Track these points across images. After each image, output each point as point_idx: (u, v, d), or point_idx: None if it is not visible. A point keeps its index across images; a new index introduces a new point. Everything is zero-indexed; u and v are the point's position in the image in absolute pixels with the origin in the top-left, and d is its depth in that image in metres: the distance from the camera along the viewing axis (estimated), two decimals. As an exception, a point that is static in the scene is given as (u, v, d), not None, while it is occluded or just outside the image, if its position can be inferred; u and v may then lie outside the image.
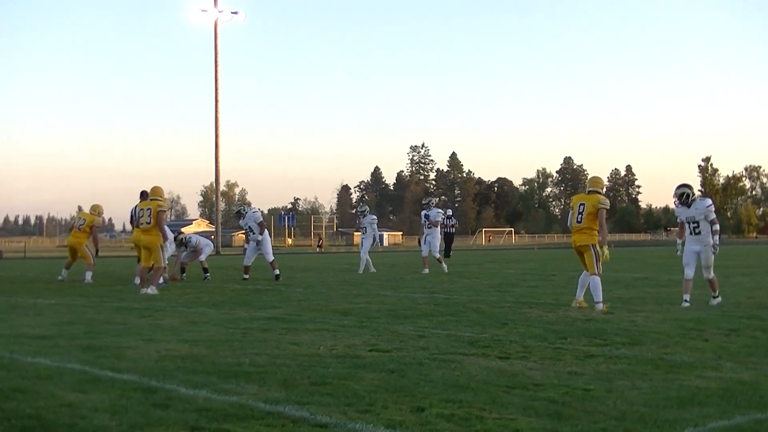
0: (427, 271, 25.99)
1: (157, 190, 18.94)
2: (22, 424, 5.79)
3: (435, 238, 26.68)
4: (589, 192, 14.51)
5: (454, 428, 5.63)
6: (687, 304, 14.02)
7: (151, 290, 17.66)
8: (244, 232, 24.00)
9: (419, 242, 27.57)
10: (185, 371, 7.80)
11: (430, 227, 26.73)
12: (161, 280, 19.80)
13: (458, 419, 5.87)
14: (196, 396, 6.64)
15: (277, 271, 22.68)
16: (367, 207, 28.95)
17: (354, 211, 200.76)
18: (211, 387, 7.00)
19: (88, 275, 22.06)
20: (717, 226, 14.44)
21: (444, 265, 26.50)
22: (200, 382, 7.20)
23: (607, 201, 14.39)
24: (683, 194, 14.53)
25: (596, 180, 14.86)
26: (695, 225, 14.36)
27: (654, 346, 9.47)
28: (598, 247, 14.02)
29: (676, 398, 6.58)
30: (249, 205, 23.31)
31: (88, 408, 6.24)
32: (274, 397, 6.58)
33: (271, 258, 23.03)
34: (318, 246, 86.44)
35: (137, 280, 20.28)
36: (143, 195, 19.64)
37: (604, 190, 14.70)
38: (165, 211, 18.83)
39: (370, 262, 27.19)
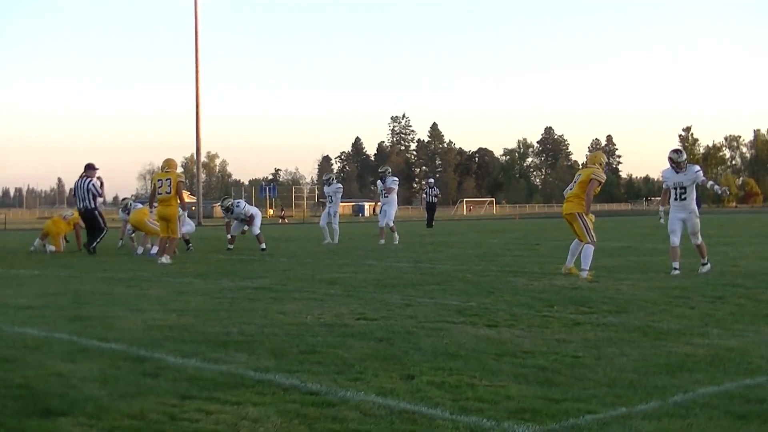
0: (383, 242, 25.55)
1: (171, 163, 19.11)
2: (12, 393, 5.78)
3: (391, 208, 26.25)
4: (588, 166, 14.63)
5: (445, 396, 5.64)
6: (677, 272, 14.07)
7: (166, 259, 17.77)
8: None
9: (374, 211, 27.38)
10: (174, 341, 7.80)
11: (387, 196, 26.37)
12: (154, 250, 19.92)
13: (449, 387, 5.88)
14: (186, 365, 6.63)
15: (264, 245, 22.62)
16: (332, 175, 28.74)
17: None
18: (200, 356, 7.00)
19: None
20: (711, 182, 14.62)
21: (396, 235, 25.70)
22: (189, 352, 7.19)
23: (602, 174, 14.44)
24: (685, 159, 14.62)
25: (595, 156, 14.97)
26: (682, 191, 14.39)
27: (641, 314, 9.50)
28: (584, 216, 14.06)
29: (665, 365, 6.61)
30: (232, 197, 23.27)
31: (78, 377, 6.24)
32: (264, 366, 6.59)
33: (258, 231, 22.99)
34: (280, 217, 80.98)
35: (140, 250, 20.43)
36: (87, 167, 20.17)
37: (602, 165, 14.68)
38: (184, 182, 18.96)
39: (328, 231, 26.57)
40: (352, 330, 8.36)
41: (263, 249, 22.16)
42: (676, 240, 14.47)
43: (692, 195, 14.41)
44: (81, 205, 21.70)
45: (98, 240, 21.47)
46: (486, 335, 8.08)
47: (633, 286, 12.37)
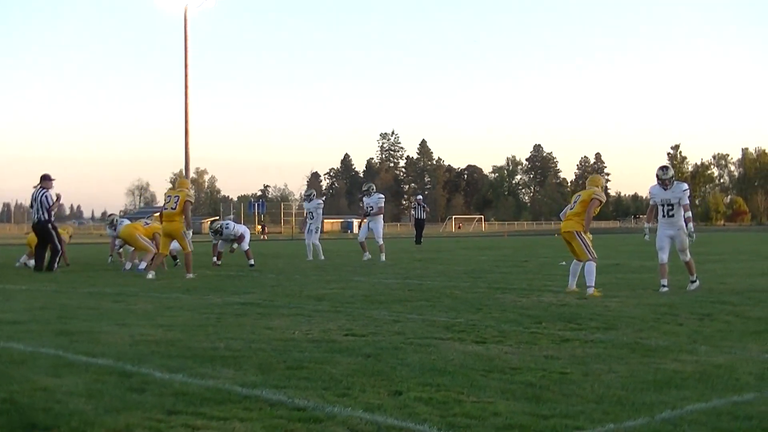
0: (368, 256, 25.46)
1: (182, 182, 19.78)
2: (-3, 407, 5.73)
3: (378, 225, 26.15)
4: (588, 188, 14.67)
5: (432, 412, 5.63)
6: (665, 289, 14.08)
7: (192, 275, 18.07)
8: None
9: (359, 227, 27.36)
10: (160, 356, 7.77)
11: (372, 210, 26.21)
12: (142, 266, 19.94)
13: (436, 403, 5.87)
14: (172, 380, 6.60)
15: (252, 261, 22.61)
16: (313, 191, 28.61)
17: (324, 198, 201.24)
18: (187, 371, 6.97)
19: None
20: (689, 213, 14.50)
21: (383, 254, 25.46)
22: (176, 367, 7.17)
23: (602, 194, 14.50)
24: (673, 176, 14.61)
25: (595, 179, 15.04)
26: (669, 208, 14.42)
27: (629, 331, 9.51)
28: (583, 234, 14.10)
29: (653, 381, 6.61)
30: (220, 219, 23.41)
31: (64, 392, 6.20)
32: (251, 381, 6.56)
33: (247, 247, 23.03)
34: (261, 233, 79.98)
35: (128, 265, 20.43)
36: (43, 178, 20.44)
37: (602, 187, 14.77)
38: (191, 202, 18.98)
39: (313, 249, 26.53)
40: (340, 346, 8.34)
41: (252, 265, 22.16)
42: (664, 257, 14.49)
43: (680, 212, 14.42)
44: (35, 217, 21.51)
45: (57, 261, 21.26)
46: (474, 351, 8.07)
47: (621, 303, 12.38)
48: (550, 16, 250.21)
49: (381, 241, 25.86)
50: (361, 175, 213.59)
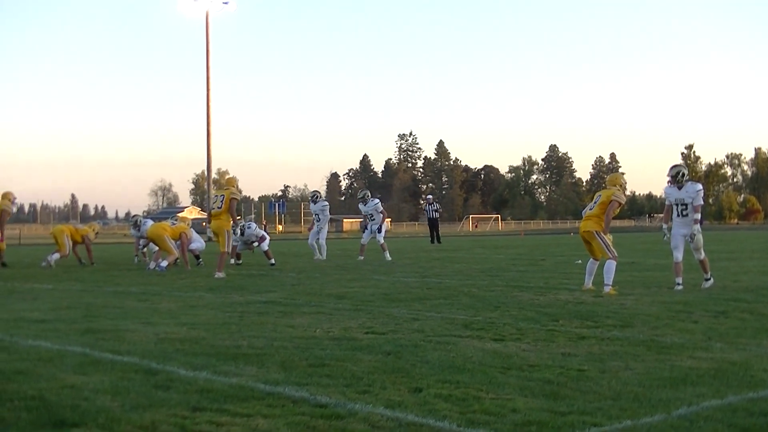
0: (362, 258, 25.65)
1: (230, 180, 20.19)
2: (26, 404, 5.84)
3: (378, 224, 26.47)
4: (608, 188, 14.65)
5: (452, 408, 5.71)
6: (680, 287, 14.12)
7: (220, 274, 18.14)
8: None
9: (362, 228, 27.52)
10: (184, 353, 7.88)
11: (373, 219, 26.63)
12: (164, 265, 20.12)
13: (456, 399, 5.95)
14: (197, 377, 6.71)
15: (273, 260, 22.80)
16: (318, 192, 28.59)
17: (343, 198, 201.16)
18: (211, 369, 7.08)
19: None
20: (698, 215, 14.49)
21: (387, 253, 25.69)
22: (200, 364, 7.27)
23: (623, 196, 14.51)
24: (679, 173, 14.60)
25: (615, 177, 15.07)
26: (683, 207, 14.45)
27: (645, 328, 9.57)
28: (603, 234, 14.14)
29: (669, 378, 6.68)
30: (243, 219, 23.68)
31: (90, 389, 6.31)
32: (274, 379, 6.66)
33: (266, 248, 23.22)
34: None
35: (152, 264, 20.74)
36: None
37: (622, 186, 14.76)
38: (237, 199, 19.28)
39: (317, 248, 26.47)
40: (361, 343, 8.44)
41: (272, 264, 22.34)
42: (679, 256, 14.51)
43: (692, 214, 14.46)
44: None
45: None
46: (492, 349, 8.15)
47: (637, 301, 12.43)
48: (566, 17, 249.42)
49: (381, 240, 26.19)
50: (380, 175, 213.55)
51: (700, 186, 14.61)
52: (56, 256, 23.11)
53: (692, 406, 5.74)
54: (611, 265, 13.94)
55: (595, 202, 14.51)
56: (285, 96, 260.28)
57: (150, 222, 23.85)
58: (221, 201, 18.99)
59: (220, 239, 18.89)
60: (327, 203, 27.32)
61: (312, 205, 27.36)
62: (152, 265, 21.16)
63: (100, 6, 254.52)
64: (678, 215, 14.54)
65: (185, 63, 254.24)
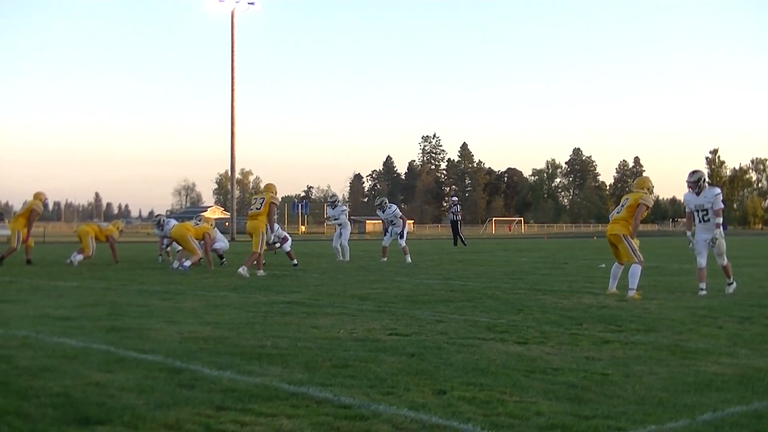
0: (385, 260, 25.82)
1: (269, 186, 20.00)
2: (52, 401, 5.88)
3: (400, 229, 26.60)
4: (636, 191, 14.59)
5: (476, 411, 5.71)
6: (704, 292, 14.10)
7: (243, 270, 18.34)
8: None
9: (384, 232, 27.58)
10: (209, 353, 7.91)
11: (394, 224, 26.81)
12: (187, 264, 20.51)
13: (480, 402, 5.96)
14: (221, 377, 6.73)
15: (295, 261, 22.89)
16: (337, 196, 28.64)
17: (366, 200, 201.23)
18: (235, 368, 7.10)
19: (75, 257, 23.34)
20: (720, 219, 14.41)
21: (408, 255, 25.70)
22: (224, 364, 7.30)
23: (650, 199, 14.44)
24: (700, 179, 14.56)
25: (643, 180, 14.96)
26: (704, 213, 14.42)
27: (669, 333, 9.54)
28: (629, 237, 14.11)
29: (694, 384, 6.66)
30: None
31: (116, 387, 6.34)
32: (298, 379, 6.68)
33: (289, 248, 23.31)
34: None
35: (175, 264, 21.01)
36: None
37: (650, 189, 14.68)
38: (276, 204, 19.62)
39: (340, 251, 26.49)
40: (384, 345, 8.45)
41: (295, 264, 22.39)
42: (702, 261, 14.48)
43: (714, 219, 14.43)
44: None
45: None
46: (516, 352, 8.15)
47: (661, 306, 12.40)
48: (592, 21, 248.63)
49: (403, 243, 26.26)
50: (403, 177, 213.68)
51: (717, 190, 14.58)
52: (80, 256, 23.27)
53: (717, 412, 5.73)
54: (636, 270, 13.90)
55: (622, 206, 14.48)
56: (309, 96, 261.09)
57: (173, 222, 24.04)
58: (260, 203, 19.40)
59: (254, 239, 19.14)
60: (345, 207, 27.41)
61: (330, 209, 27.43)
62: (176, 264, 21.22)
63: (127, 4, 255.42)
64: (700, 221, 14.53)
65: (210, 62, 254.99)
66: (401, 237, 26.37)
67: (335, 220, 27.02)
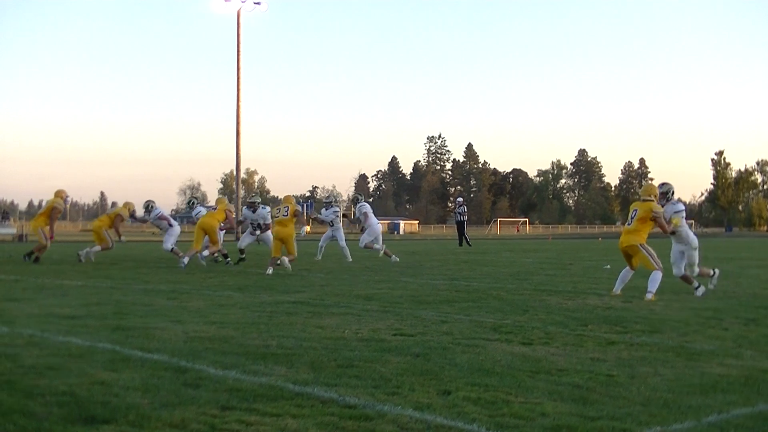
0: (379, 248, 26.04)
1: (288, 198, 21.36)
2: (57, 400, 5.89)
3: (367, 231, 26.54)
4: (644, 200, 14.46)
5: (481, 411, 5.72)
6: (700, 290, 14.29)
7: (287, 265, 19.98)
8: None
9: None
10: (214, 352, 7.91)
11: (358, 220, 26.96)
12: (205, 254, 21.85)
13: (485, 402, 5.96)
14: (226, 376, 6.74)
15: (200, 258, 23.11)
16: (333, 197, 28.75)
17: (371, 200, 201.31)
18: (240, 368, 7.11)
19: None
20: (670, 229, 14.43)
21: (389, 255, 25.80)
22: (229, 363, 7.30)
23: (660, 209, 14.33)
24: (668, 191, 14.77)
25: (649, 187, 14.86)
26: None
27: (674, 334, 9.55)
28: (646, 246, 14.09)
29: (699, 385, 6.66)
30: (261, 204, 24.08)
31: (121, 386, 6.35)
32: (303, 379, 6.68)
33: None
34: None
35: (186, 260, 21.33)
36: None
37: (657, 196, 14.63)
38: (299, 210, 20.93)
39: (342, 252, 26.45)
40: (389, 345, 8.45)
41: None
42: (678, 271, 14.60)
43: (686, 229, 14.61)
44: None
45: None
46: (521, 352, 8.15)
47: (666, 307, 12.40)
48: (595, 21, 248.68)
49: (361, 245, 26.41)
50: (408, 177, 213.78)
51: (680, 207, 14.92)
52: (97, 248, 23.82)
53: (722, 414, 5.73)
54: (657, 275, 13.88)
55: (632, 217, 14.40)
56: (314, 96, 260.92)
57: (203, 210, 24.26)
58: (286, 211, 20.50)
59: (290, 245, 20.33)
60: (337, 209, 27.51)
61: (324, 210, 27.41)
62: (186, 260, 21.20)
63: (133, 4, 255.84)
64: (672, 232, 14.52)
65: (216, 62, 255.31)
66: (362, 232, 26.42)
67: (325, 220, 26.94)
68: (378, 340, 8.77)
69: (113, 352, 7.85)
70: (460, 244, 41.48)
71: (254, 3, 62.97)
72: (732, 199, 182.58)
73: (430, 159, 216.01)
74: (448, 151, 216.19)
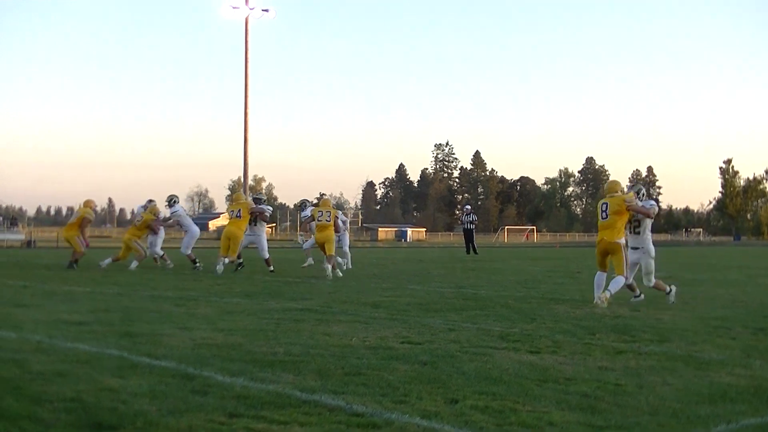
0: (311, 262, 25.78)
1: (326, 202, 22.88)
2: (65, 406, 5.89)
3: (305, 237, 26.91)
4: (611, 197, 14.19)
5: (488, 420, 5.71)
6: (638, 299, 14.30)
7: (331, 270, 20.80)
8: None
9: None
10: (221, 359, 7.91)
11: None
12: (226, 261, 21.85)
13: (492, 411, 5.95)
14: (234, 383, 6.73)
15: (271, 267, 23.35)
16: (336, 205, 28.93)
17: (378, 207, 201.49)
18: (248, 375, 7.11)
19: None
20: (639, 219, 14.35)
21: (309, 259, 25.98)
22: (237, 370, 7.31)
23: (632, 196, 14.13)
24: (638, 192, 14.67)
25: (614, 184, 14.58)
26: (635, 224, 14.41)
27: (682, 343, 9.53)
28: (626, 249, 13.98)
29: (708, 395, 6.64)
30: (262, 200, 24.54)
31: (128, 392, 6.35)
32: (310, 386, 6.68)
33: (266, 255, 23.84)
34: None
35: (220, 266, 21.64)
36: None
37: (623, 191, 14.43)
38: (338, 216, 21.99)
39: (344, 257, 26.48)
40: (397, 353, 8.44)
41: (272, 270, 23.06)
42: (648, 282, 14.48)
43: (647, 231, 14.47)
44: None
45: None
46: (528, 361, 8.14)
47: (674, 316, 12.38)
48: (605, 30, 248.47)
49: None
50: (416, 184, 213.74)
51: (651, 202, 14.80)
52: (135, 263, 23.72)
53: (731, 424, 5.73)
54: (621, 280, 13.72)
55: (604, 211, 14.08)
56: (322, 103, 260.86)
57: (180, 210, 24.79)
58: (328, 216, 21.43)
59: (328, 246, 21.21)
60: (340, 212, 27.60)
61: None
62: (220, 267, 21.61)
63: (141, 10, 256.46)
64: (631, 231, 14.48)
65: (224, 68, 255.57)
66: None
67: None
68: (385, 348, 8.76)
69: (121, 359, 7.86)
70: (468, 252, 41.44)
71: (262, 10, 63.09)
72: (740, 208, 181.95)
73: (438, 166, 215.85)
74: (456, 158, 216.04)
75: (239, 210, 22.74)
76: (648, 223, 14.42)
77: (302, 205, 27.51)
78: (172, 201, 25.17)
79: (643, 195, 14.78)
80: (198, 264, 23.61)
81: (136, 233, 24.43)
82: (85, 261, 24.06)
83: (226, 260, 21.79)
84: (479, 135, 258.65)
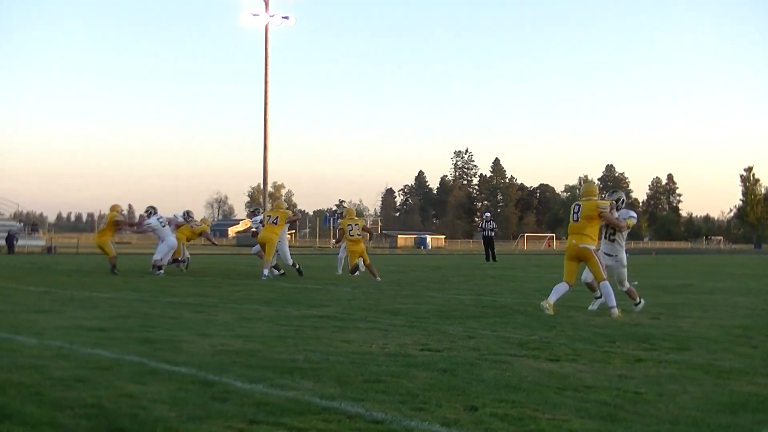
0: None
1: (350, 211, 24.59)
2: (85, 412, 5.90)
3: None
4: (586, 200, 13.90)
5: (508, 428, 5.70)
6: (594, 305, 14.39)
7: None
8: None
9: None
10: (241, 366, 7.92)
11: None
12: (266, 274, 22.44)
13: (512, 419, 5.93)
14: (253, 390, 6.74)
15: (276, 272, 24.16)
16: (345, 209, 29.18)
17: (398, 214, 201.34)
18: (267, 382, 7.10)
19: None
20: (623, 225, 14.24)
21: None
22: (256, 377, 7.31)
23: (606, 203, 13.88)
24: (618, 199, 14.64)
25: (591, 188, 14.28)
26: (611, 231, 14.37)
27: (703, 352, 9.48)
28: (599, 253, 13.80)
29: (728, 404, 6.61)
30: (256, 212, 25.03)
31: (148, 399, 6.36)
32: (329, 393, 6.67)
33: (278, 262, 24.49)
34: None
35: (266, 272, 22.52)
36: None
37: (599, 197, 14.19)
38: (366, 225, 23.58)
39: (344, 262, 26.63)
40: (416, 360, 8.44)
41: (300, 273, 24.31)
42: (588, 276, 14.44)
43: (622, 241, 14.44)
44: None
45: None
46: (548, 369, 8.12)
47: (694, 324, 12.33)
48: (625, 39, 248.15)
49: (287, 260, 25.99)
50: (435, 192, 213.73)
51: (632, 213, 14.81)
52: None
53: (752, 433, 5.69)
54: (608, 287, 13.58)
55: (575, 213, 13.85)
56: (342, 111, 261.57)
57: (160, 219, 25.24)
58: (358, 229, 23.41)
59: (365, 255, 23.41)
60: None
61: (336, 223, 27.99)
62: (266, 272, 22.50)
63: (162, 18, 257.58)
64: (606, 237, 14.40)
65: (244, 76, 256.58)
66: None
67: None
68: (405, 355, 8.75)
69: (141, 365, 7.87)
70: (487, 259, 41.39)
71: (282, 17, 63.22)
72: (761, 216, 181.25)
73: (457, 174, 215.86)
74: (475, 165, 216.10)
75: (276, 217, 23.65)
76: (624, 232, 14.30)
77: (255, 211, 27.81)
78: (149, 213, 25.72)
79: (623, 203, 14.66)
80: (160, 271, 24.29)
81: (187, 234, 26.75)
82: (98, 266, 24.14)
83: (274, 271, 22.51)
84: (499, 142, 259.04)
